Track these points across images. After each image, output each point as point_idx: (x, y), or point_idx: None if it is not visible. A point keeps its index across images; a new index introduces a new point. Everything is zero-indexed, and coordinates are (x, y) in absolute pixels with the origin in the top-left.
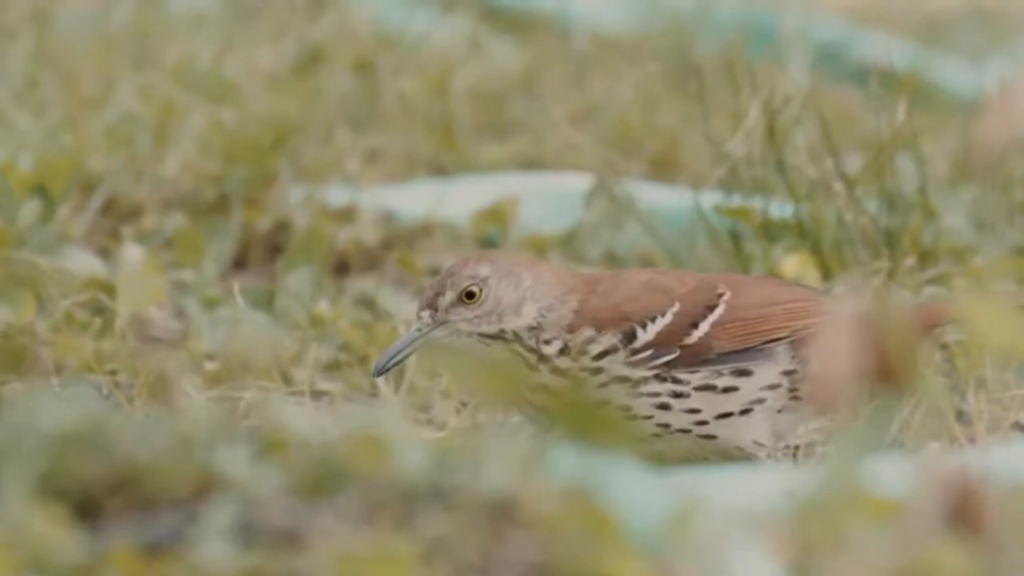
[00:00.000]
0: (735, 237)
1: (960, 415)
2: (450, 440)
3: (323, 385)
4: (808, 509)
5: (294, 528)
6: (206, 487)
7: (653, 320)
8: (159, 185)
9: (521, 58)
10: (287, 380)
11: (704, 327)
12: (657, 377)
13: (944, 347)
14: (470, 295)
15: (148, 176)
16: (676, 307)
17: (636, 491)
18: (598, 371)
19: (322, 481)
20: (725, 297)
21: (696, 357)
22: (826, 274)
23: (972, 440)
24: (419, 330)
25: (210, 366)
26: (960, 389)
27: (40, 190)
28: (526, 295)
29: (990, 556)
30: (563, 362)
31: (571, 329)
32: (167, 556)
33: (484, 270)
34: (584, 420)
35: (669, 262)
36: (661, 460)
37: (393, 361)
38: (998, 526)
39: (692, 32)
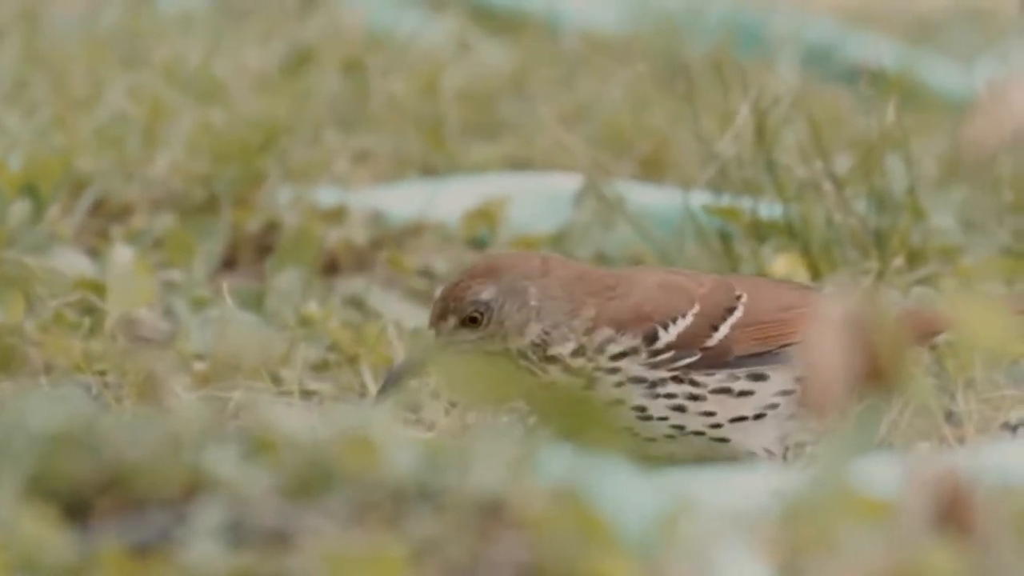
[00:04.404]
0: (724, 237)
1: (949, 415)
2: (440, 440)
3: (312, 385)
4: (797, 510)
5: (283, 528)
6: (195, 487)
7: (674, 321)
8: (148, 185)
9: (511, 58)
10: (276, 380)
11: (724, 329)
12: (675, 379)
13: (933, 347)
14: (473, 320)
15: (137, 176)
16: (696, 308)
17: (626, 491)
18: (615, 371)
19: (311, 481)
20: (743, 299)
21: (716, 359)
22: (815, 274)
23: (961, 441)
24: (423, 349)
25: (199, 366)
26: (949, 389)
27: (29, 190)
28: (530, 316)
29: (979, 557)
30: (577, 362)
31: (587, 332)
32: (156, 556)
33: (487, 293)
34: (574, 420)
35: (659, 262)
36: (651, 460)
37: (396, 379)
38: (987, 527)
39: (682, 32)
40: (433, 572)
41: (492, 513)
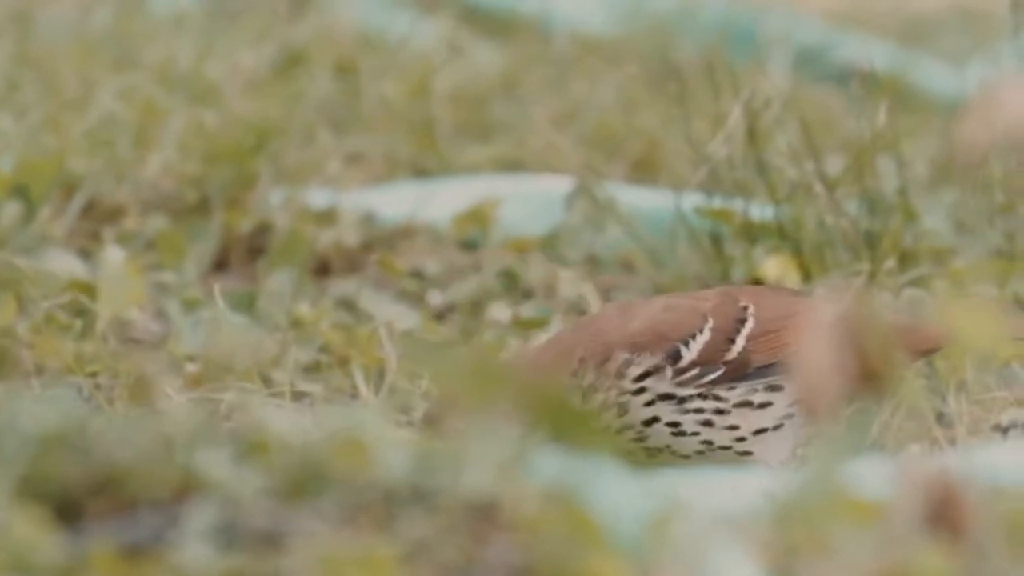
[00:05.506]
0: (716, 239)
1: (941, 417)
2: (432, 442)
3: (304, 387)
4: (789, 512)
5: (275, 530)
6: (187, 489)
7: (693, 337)
8: (140, 187)
9: (502, 60)
10: (268, 382)
11: (740, 341)
12: (700, 395)
13: None
14: None
15: (129, 178)
16: (711, 323)
17: (618, 493)
18: (641, 391)
19: (303, 483)
20: (750, 310)
21: (737, 372)
22: (807, 276)
23: (953, 442)
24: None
25: (191, 368)
26: (941, 391)
27: (21, 192)
28: None
29: (971, 559)
30: (598, 397)
31: (600, 363)
32: (148, 558)
33: None
34: (567, 422)
35: (650, 264)
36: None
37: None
38: (979, 529)
39: (673, 34)
40: (425, 574)
41: (484, 515)
